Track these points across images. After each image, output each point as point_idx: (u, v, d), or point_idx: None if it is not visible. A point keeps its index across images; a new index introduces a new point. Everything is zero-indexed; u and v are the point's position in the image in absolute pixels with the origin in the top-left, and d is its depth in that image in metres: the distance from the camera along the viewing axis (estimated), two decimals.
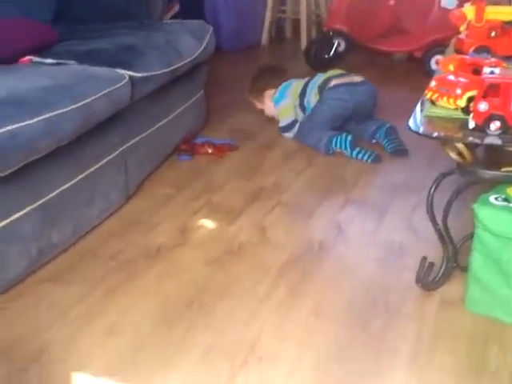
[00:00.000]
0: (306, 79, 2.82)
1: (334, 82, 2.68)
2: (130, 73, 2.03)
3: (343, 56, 3.78)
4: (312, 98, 2.72)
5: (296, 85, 2.82)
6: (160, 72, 2.20)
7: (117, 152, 2.05)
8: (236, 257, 1.83)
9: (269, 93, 2.86)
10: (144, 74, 2.10)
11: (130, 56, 2.12)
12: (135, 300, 1.63)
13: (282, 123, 2.78)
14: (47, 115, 1.58)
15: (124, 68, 2.04)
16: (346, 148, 2.51)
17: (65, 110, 1.64)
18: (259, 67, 3.05)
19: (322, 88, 2.70)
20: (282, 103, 2.79)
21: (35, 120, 1.54)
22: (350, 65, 3.52)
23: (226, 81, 3.58)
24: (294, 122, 2.76)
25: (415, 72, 3.58)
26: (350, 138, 2.51)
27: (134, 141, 2.17)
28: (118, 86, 1.93)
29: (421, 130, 1.52)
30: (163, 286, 1.69)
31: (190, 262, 1.80)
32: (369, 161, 2.48)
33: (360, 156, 2.49)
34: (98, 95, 1.81)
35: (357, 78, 2.72)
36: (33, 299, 1.63)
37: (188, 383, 1.36)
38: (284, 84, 2.85)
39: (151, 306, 1.60)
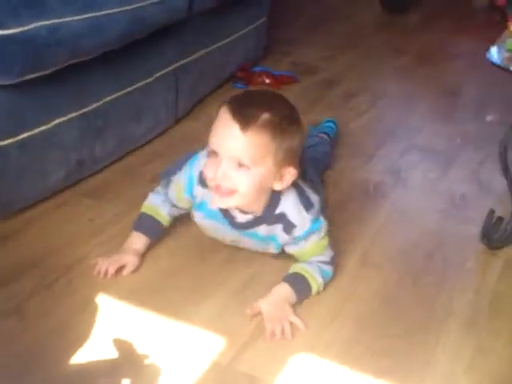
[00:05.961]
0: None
1: None
2: None
3: None
4: None
5: None
6: None
7: (169, 68, 1.93)
8: None
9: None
10: None
11: None
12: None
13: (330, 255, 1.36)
14: (94, 14, 1.46)
15: None
16: None
17: (114, 10, 1.52)
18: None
19: None
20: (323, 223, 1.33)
21: (80, 17, 1.42)
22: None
23: (298, 13, 3.38)
24: None
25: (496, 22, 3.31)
26: None
27: (188, 59, 2.03)
28: None
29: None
30: None
31: None
32: None
33: None
34: (153, 0, 1.67)
35: None
36: (70, 214, 1.55)
37: (220, 315, 1.27)
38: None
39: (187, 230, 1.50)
